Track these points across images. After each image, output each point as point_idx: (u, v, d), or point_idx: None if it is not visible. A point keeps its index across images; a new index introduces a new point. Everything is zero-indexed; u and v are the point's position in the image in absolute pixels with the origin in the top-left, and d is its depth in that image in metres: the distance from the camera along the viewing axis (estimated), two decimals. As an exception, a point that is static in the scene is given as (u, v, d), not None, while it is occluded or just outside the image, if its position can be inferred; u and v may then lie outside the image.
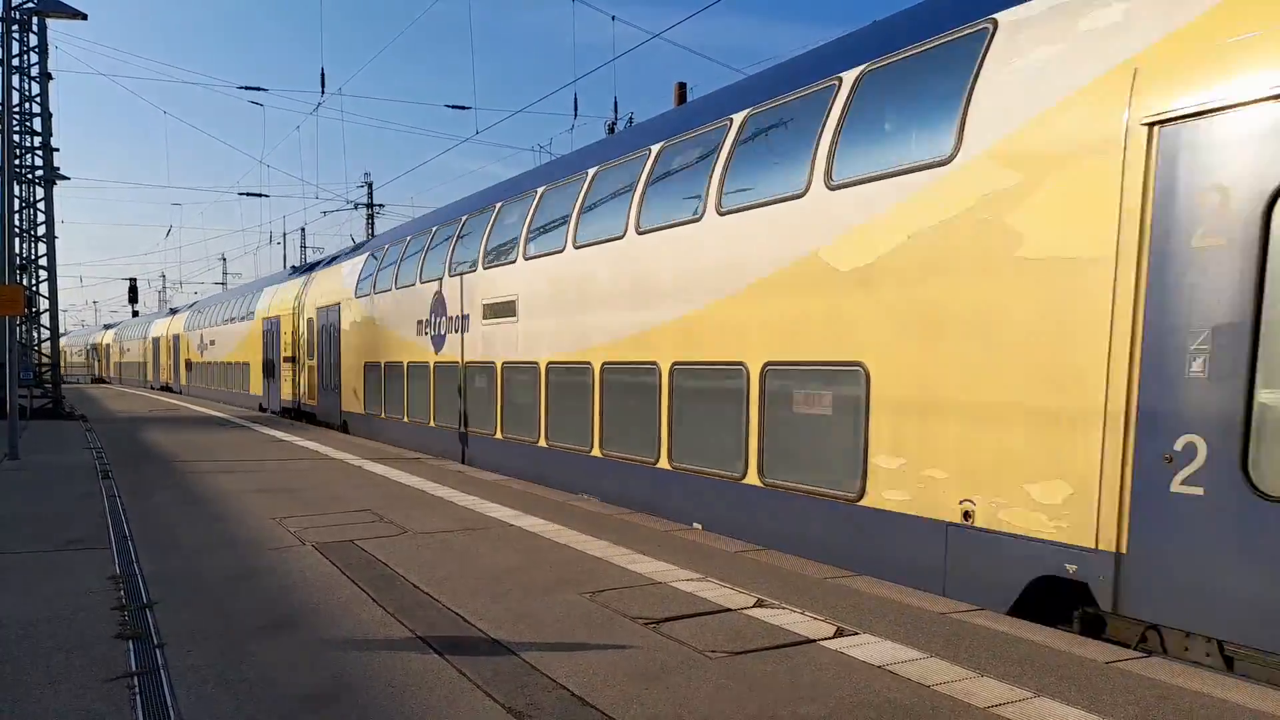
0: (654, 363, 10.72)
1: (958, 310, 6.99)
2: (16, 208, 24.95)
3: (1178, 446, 5.64)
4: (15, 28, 23.58)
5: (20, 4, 23.56)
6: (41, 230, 26.60)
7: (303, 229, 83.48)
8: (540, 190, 13.88)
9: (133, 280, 46.38)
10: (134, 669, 5.20)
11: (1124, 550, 5.88)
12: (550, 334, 13.03)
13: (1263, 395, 5.32)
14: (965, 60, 7.21)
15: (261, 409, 29.31)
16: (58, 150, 26.89)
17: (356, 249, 24.86)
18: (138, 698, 4.77)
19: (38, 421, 24.08)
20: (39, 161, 26.26)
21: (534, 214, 13.82)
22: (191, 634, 5.84)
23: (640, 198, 11.03)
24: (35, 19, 24.76)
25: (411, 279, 18.29)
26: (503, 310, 14.39)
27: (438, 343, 16.93)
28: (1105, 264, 5.97)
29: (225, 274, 77.80)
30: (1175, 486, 5.64)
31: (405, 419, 18.71)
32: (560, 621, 6.14)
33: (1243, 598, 5.33)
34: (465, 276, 15.74)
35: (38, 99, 25.71)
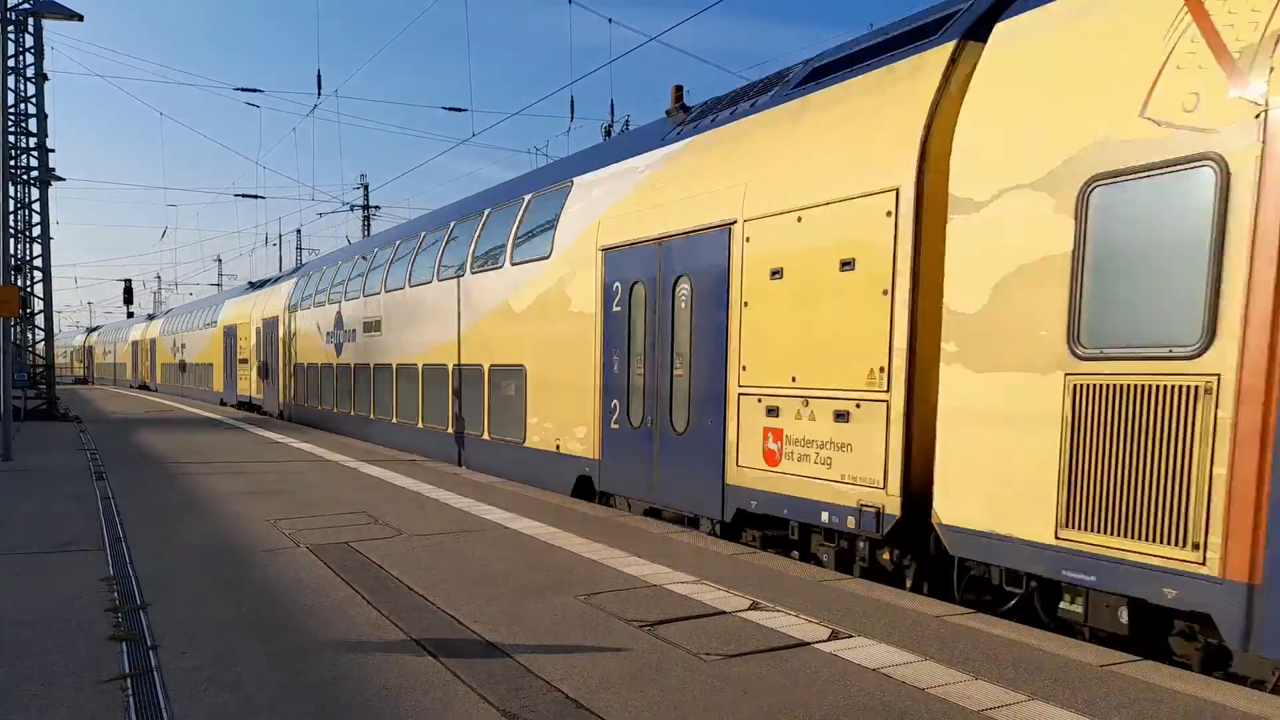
0: (444, 364, 16.47)
1: (555, 334, 12.64)
2: (11, 209, 24.89)
3: (613, 405, 11.18)
4: (11, 28, 23.54)
5: (16, 4, 23.54)
6: (36, 231, 26.54)
7: (299, 230, 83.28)
8: (396, 242, 20.09)
9: (127, 281, 46.24)
10: (127, 671, 5.18)
11: (600, 457, 11.55)
12: (399, 344, 18.66)
13: (634, 379, 10.78)
14: (559, 201, 13.06)
15: (222, 403, 34.68)
16: (53, 151, 26.80)
17: (294, 272, 30.69)
18: (131, 700, 4.76)
19: (31, 423, 24.03)
20: (34, 162, 26.21)
21: (391, 259, 19.73)
22: (185, 636, 5.82)
23: (472, 249, 15.64)
24: (31, 20, 24.73)
25: (322, 300, 24.01)
26: (373, 326, 20.19)
27: (338, 349, 22.49)
28: (593, 316, 11.62)
29: (221, 275, 77.73)
30: (612, 425, 11.19)
31: (319, 406, 24.24)
32: (555, 624, 6.14)
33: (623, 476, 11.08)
34: (351, 301, 21.58)
35: (33, 100, 25.67)
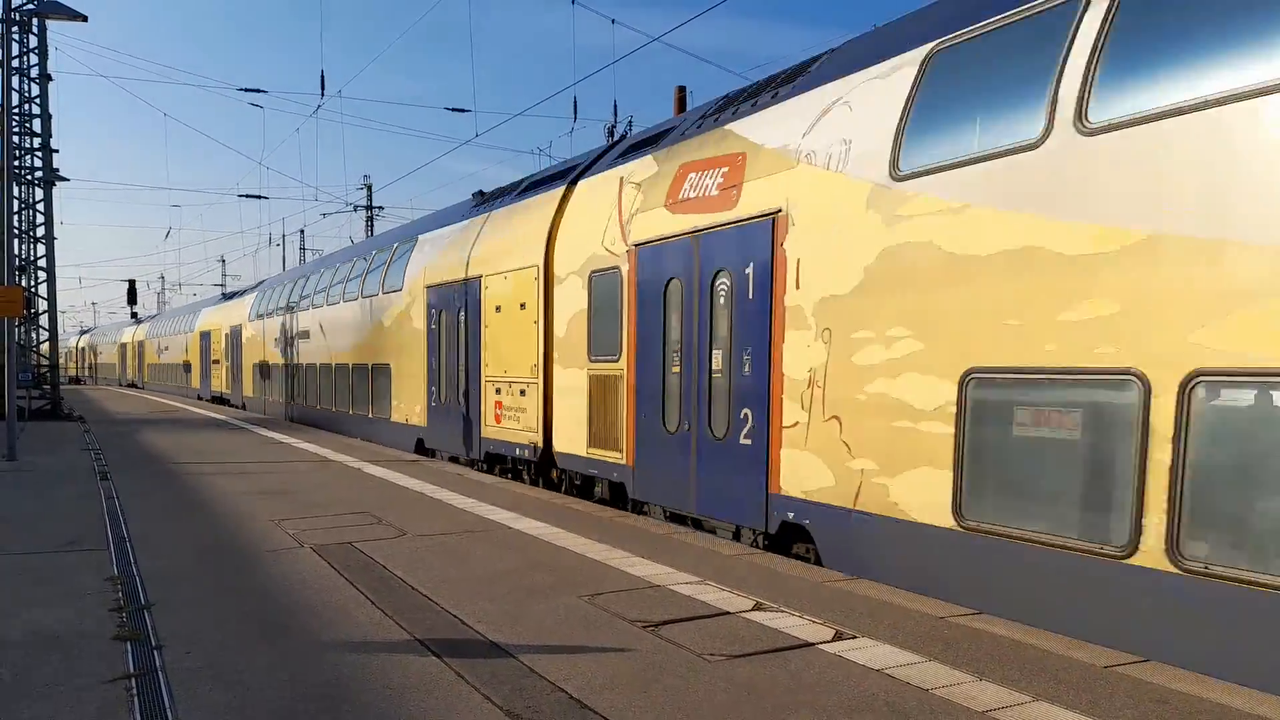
0: (347, 363, 22.08)
1: (406, 342, 18.30)
2: (16, 209, 24.94)
3: (433, 389, 16.57)
4: (15, 29, 23.58)
5: (20, 5, 23.58)
6: (40, 232, 26.60)
7: (302, 231, 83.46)
8: (321, 271, 25.92)
9: (131, 282, 46.49)
10: (132, 670, 5.19)
11: (428, 424, 16.97)
12: (321, 349, 24.20)
13: (445, 373, 16.18)
14: (410, 250, 18.82)
15: (199, 397, 40.83)
16: (57, 151, 26.89)
17: (254, 287, 36.59)
18: (136, 699, 4.77)
19: (36, 423, 24.07)
20: (38, 163, 26.26)
21: (316, 284, 25.26)
22: (189, 636, 5.83)
23: (363, 280, 21.21)
24: (35, 20, 24.77)
25: (272, 312, 29.55)
26: (304, 335, 25.79)
27: (285, 353, 27.92)
28: (423, 331, 17.12)
29: (224, 275, 77.90)
30: (431, 403, 16.48)
31: (269, 398, 29.92)
32: (559, 624, 6.14)
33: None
34: (293, 314, 26.93)
35: (37, 100, 25.72)
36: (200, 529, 9.44)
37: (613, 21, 23.26)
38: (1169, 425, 5.60)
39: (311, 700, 4.77)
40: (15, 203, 24.72)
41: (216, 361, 37.88)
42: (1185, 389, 5.54)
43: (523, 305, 13.54)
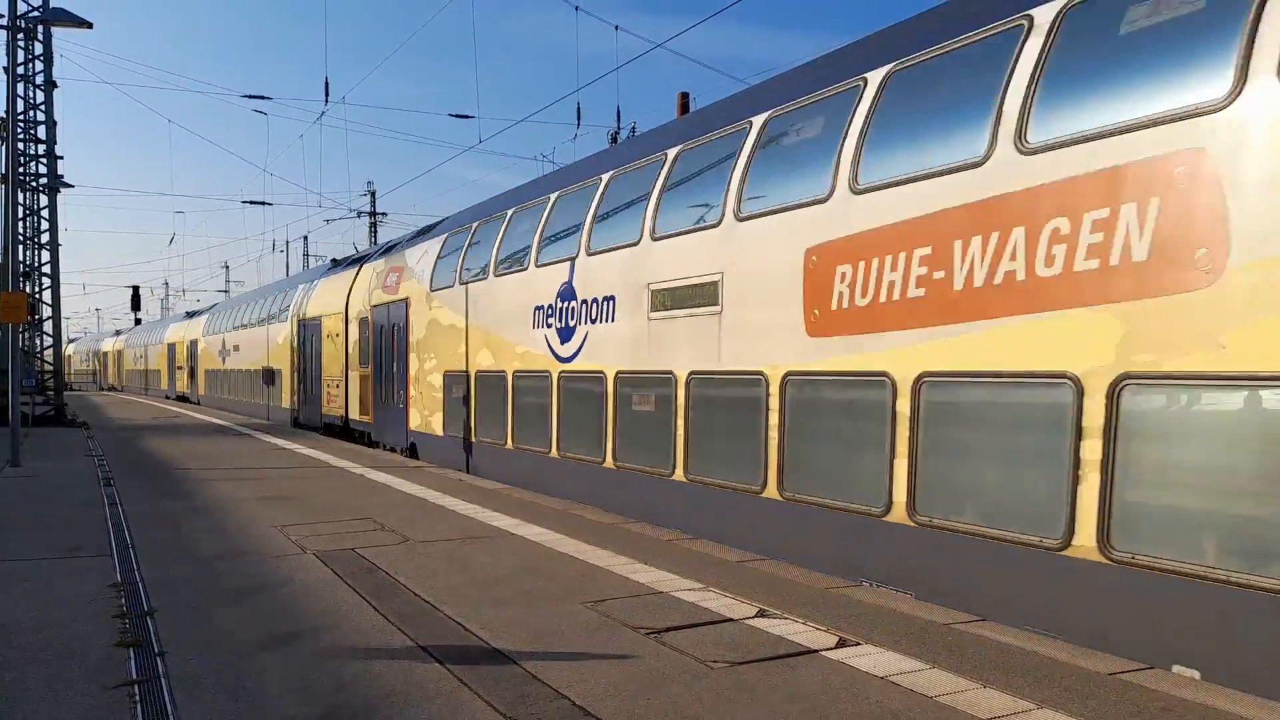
0: (261, 369, 30.82)
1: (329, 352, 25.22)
2: (20, 215, 24.99)
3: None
4: (21, 36, 23.66)
5: (26, 12, 23.67)
6: (45, 238, 26.64)
7: (305, 237, 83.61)
8: (243, 305, 35.55)
9: (135, 288, 46.86)
10: (135, 677, 5.19)
11: (293, 408, 27.30)
12: (244, 359, 33.23)
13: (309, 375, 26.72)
14: (292, 294, 28.93)
15: (166, 396, 48.57)
16: (62, 158, 26.96)
17: (209, 309, 46.76)
18: (138, 706, 4.76)
19: (40, 429, 24.10)
20: (43, 169, 26.33)
21: (240, 314, 34.34)
22: (192, 642, 5.83)
23: (265, 313, 31.02)
24: (40, 27, 24.85)
25: (216, 330, 38.66)
26: (235, 348, 35.08)
27: (231, 360, 36.10)
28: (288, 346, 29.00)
29: (228, 281, 78.08)
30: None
31: (223, 394, 37.34)
32: (562, 631, 6.13)
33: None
34: (228, 333, 36.11)
35: (42, 107, 25.79)
36: (203, 535, 9.44)
37: (616, 28, 23.39)
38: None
39: (314, 707, 4.76)
40: (20, 209, 24.77)
41: (180, 367, 47.18)
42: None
43: (336, 335, 23.06)
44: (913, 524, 7.37)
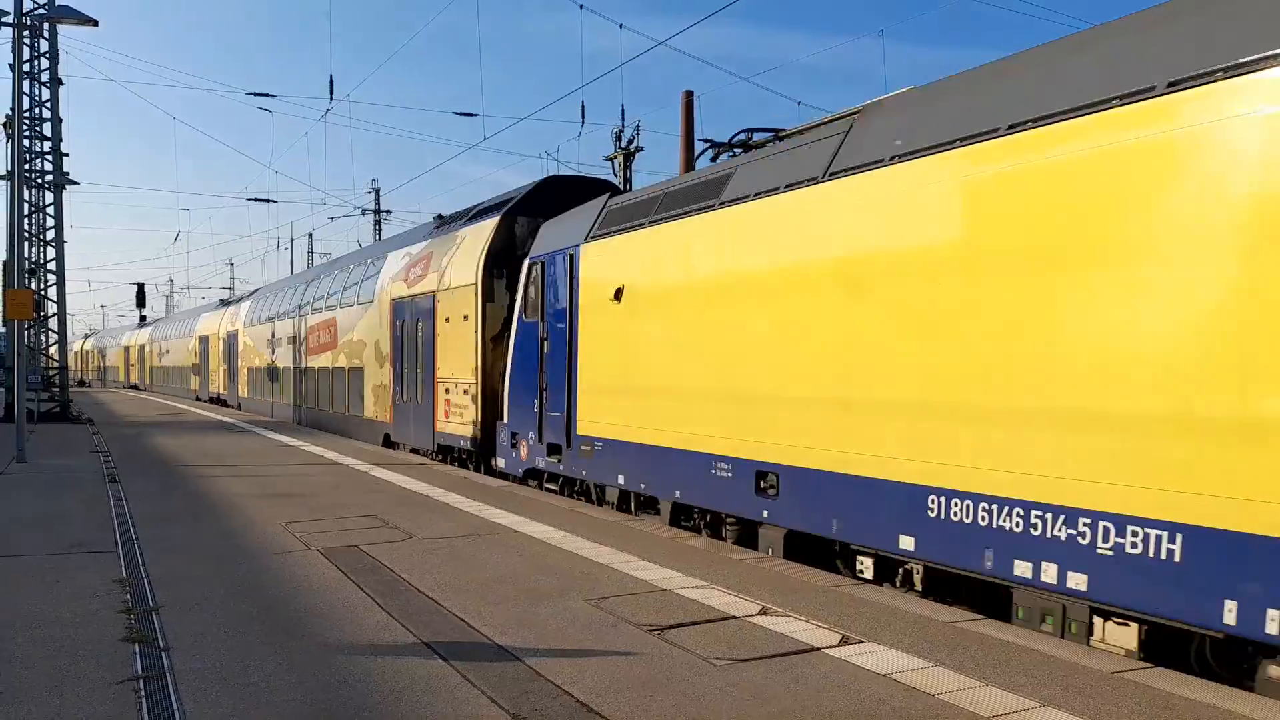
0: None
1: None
2: (26, 212, 25.05)
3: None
4: (26, 33, 23.70)
5: (31, 10, 23.70)
6: (50, 235, 26.71)
7: (310, 235, 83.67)
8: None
9: (140, 285, 47.09)
10: (140, 672, 5.21)
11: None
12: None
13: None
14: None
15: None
16: (67, 155, 27.00)
17: (153, 322, 56.37)
18: (144, 701, 4.79)
19: (45, 425, 24.17)
20: (48, 166, 26.38)
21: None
22: (197, 638, 5.85)
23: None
24: (46, 25, 24.89)
25: (164, 337, 47.01)
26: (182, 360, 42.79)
27: (168, 359, 47.14)
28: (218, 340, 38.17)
29: (233, 279, 78.16)
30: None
31: (152, 385, 45.88)
32: (565, 627, 6.15)
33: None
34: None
35: (48, 104, 25.85)
36: (208, 531, 9.47)
37: (620, 26, 23.40)
38: None
39: (319, 703, 4.78)
40: (26, 206, 24.83)
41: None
42: None
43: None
44: None
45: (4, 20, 18.53)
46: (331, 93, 31.14)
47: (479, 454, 15.40)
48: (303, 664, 5.38)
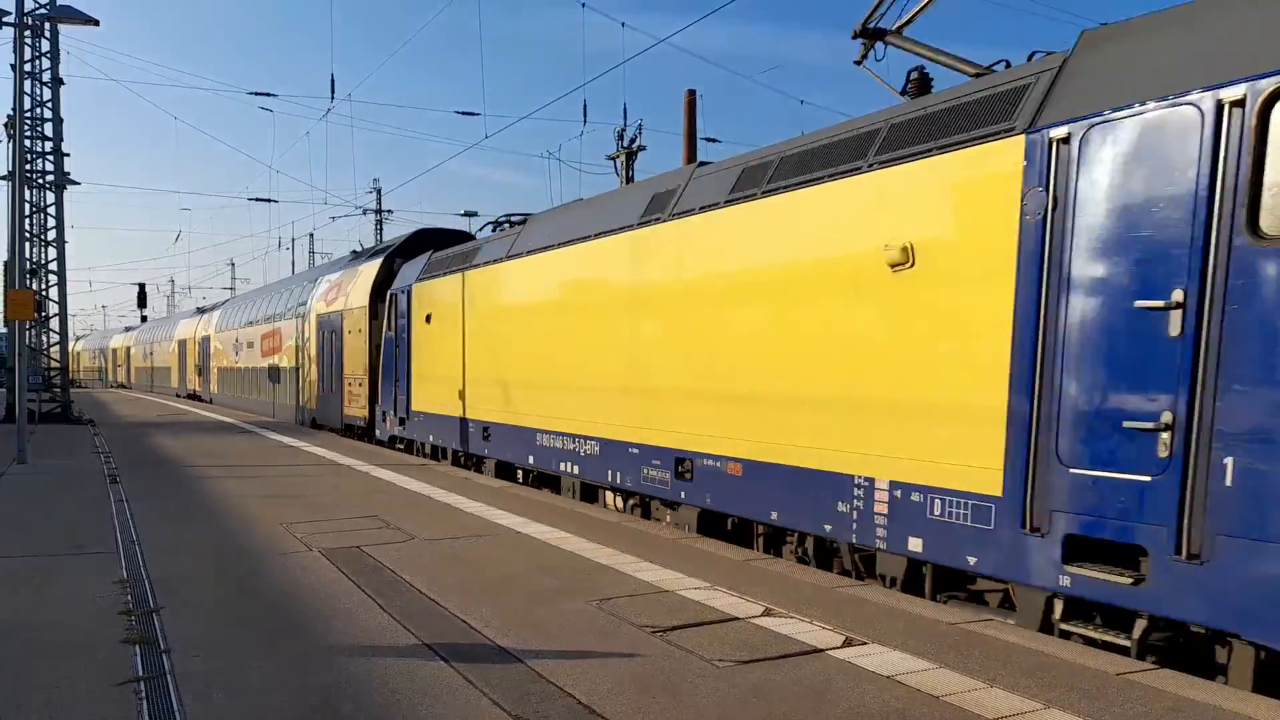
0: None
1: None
2: (27, 212, 25.04)
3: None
4: (27, 33, 23.69)
5: (32, 10, 23.69)
6: (51, 235, 26.70)
7: (311, 234, 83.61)
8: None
9: (141, 285, 47.28)
10: (140, 674, 5.19)
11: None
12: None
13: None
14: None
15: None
16: (68, 155, 26.97)
17: (137, 328, 59.17)
18: (144, 703, 4.77)
19: (46, 426, 24.17)
20: (49, 166, 26.38)
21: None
22: (198, 639, 5.83)
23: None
24: (47, 25, 24.88)
25: (147, 341, 53.38)
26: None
27: (150, 360, 52.82)
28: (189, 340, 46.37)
29: (234, 279, 78.18)
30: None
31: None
32: (567, 629, 6.12)
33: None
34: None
35: (49, 104, 25.84)
36: (209, 532, 9.45)
37: (622, 24, 23.34)
38: None
39: (320, 705, 4.76)
40: (26, 206, 24.82)
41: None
42: None
43: (180, 347, 35.17)
44: None
45: (5, 20, 18.52)
46: (333, 92, 31.21)
47: (368, 429, 21.14)
48: (304, 665, 5.35)
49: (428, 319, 17.09)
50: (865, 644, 5.82)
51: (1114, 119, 5.75)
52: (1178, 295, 5.32)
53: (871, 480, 7.42)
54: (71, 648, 5.65)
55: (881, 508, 7.31)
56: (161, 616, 6.35)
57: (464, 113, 49.94)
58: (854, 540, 7.63)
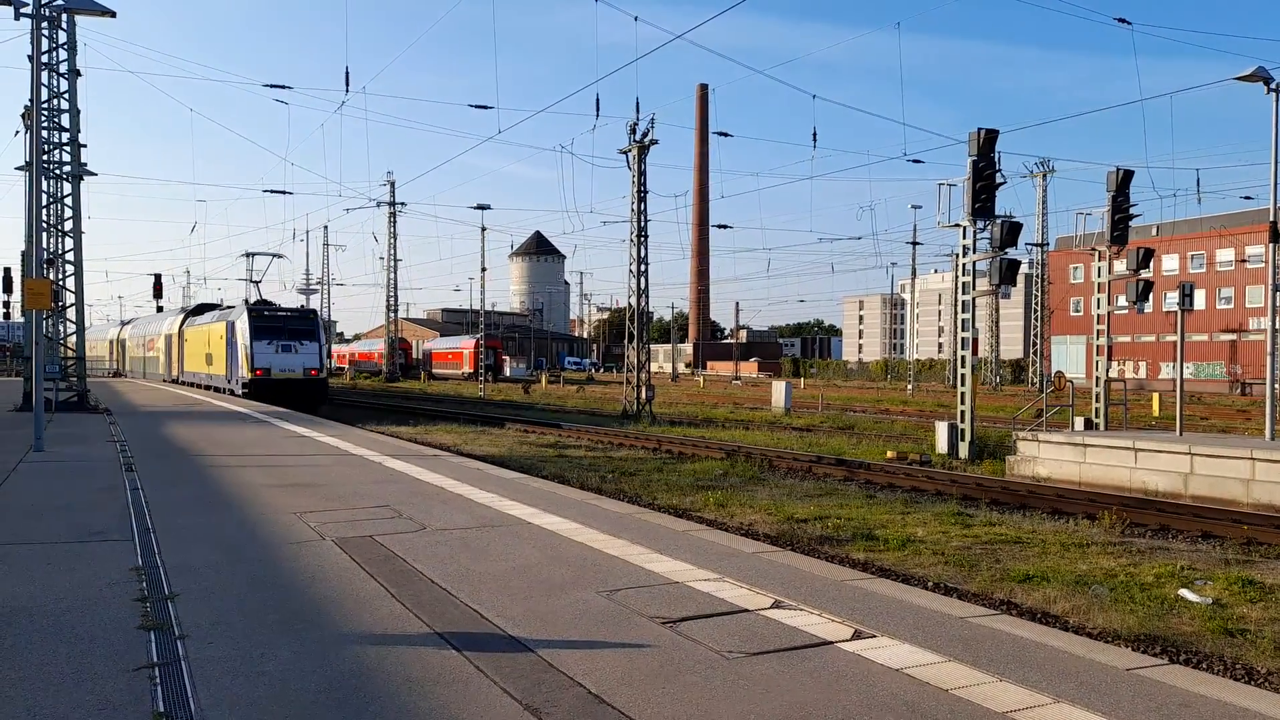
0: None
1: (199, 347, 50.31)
2: (44, 203, 25.23)
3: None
4: (45, 25, 23.84)
5: (50, 1, 23.84)
6: (69, 225, 26.90)
7: (325, 226, 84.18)
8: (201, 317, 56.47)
9: (157, 275, 47.72)
10: (155, 660, 5.25)
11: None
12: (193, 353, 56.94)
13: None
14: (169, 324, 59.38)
15: (163, 380, 58.91)
16: (85, 146, 27.15)
17: (130, 322, 74.23)
18: (158, 688, 4.82)
19: (63, 414, 24.37)
20: (66, 157, 26.55)
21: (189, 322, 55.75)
22: (212, 626, 5.89)
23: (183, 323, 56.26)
24: (64, 16, 25.04)
25: (137, 335, 67.07)
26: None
27: (140, 351, 66.82)
28: (171, 337, 59.41)
29: (250, 270, 78.66)
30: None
31: (172, 370, 56.67)
32: (577, 619, 6.15)
33: None
34: (190, 329, 52.67)
35: (66, 95, 26.01)
36: (223, 521, 9.53)
37: (635, 19, 23.43)
38: None
39: (332, 692, 4.80)
40: (44, 196, 25.00)
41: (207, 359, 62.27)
42: None
43: (166, 339, 53.77)
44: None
45: (23, 12, 18.63)
46: (347, 85, 31.21)
47: (176, 381, 46.41)
48: (316, 653, 5.40)
49: (183, 336, 47.16)
50: (875, 636, 5.83)
51: None
52: None
53: None
54: (88, 634, 5.71)
55: None
56: (176, 603, 6.41)
57: (478, 106, 49.84)
58: None
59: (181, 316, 53.99)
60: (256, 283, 43.99)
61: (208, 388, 42.87)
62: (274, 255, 46.80)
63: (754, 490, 16.32)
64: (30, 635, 5.66)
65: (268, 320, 37.51)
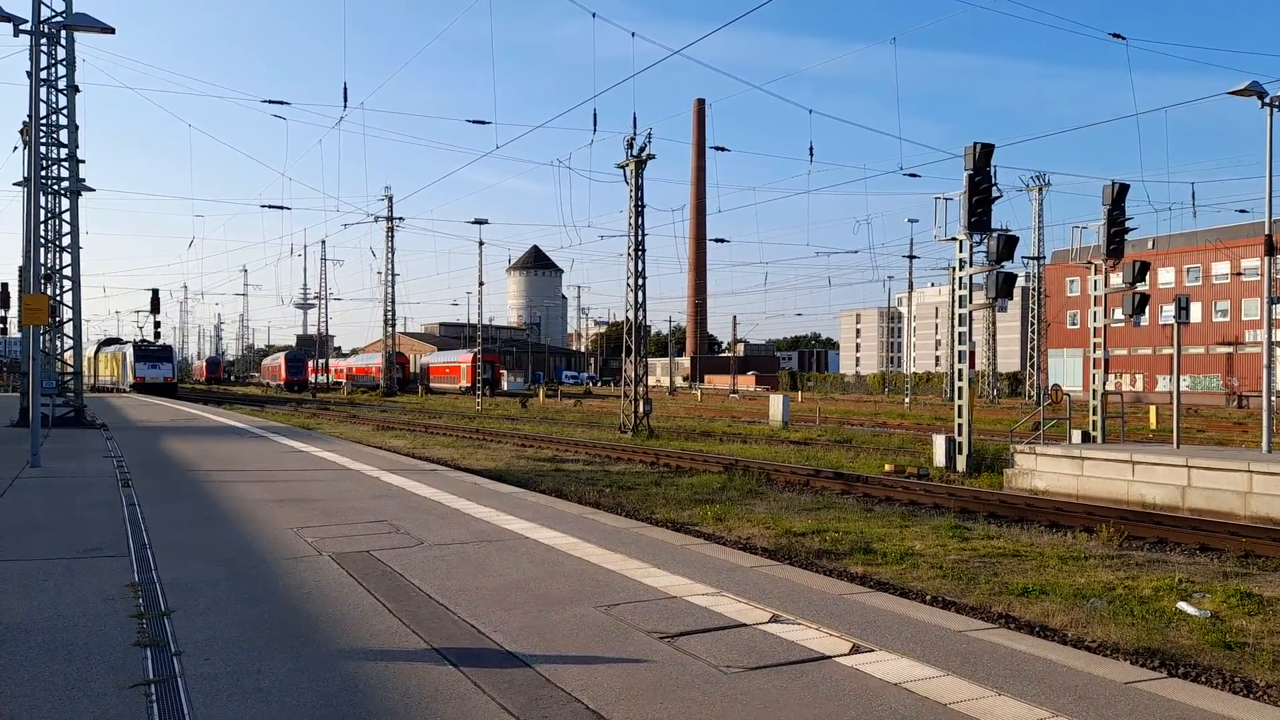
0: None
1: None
2: (42, 218, 25.25)
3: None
4: (44, 41, 23.92)
5: (49, 18, 23.92)
6: (66, 241, 26.91)
7: (323, 241, 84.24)
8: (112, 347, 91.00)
9: (155, 291, 47.74)
10: (151, 676, 5.23)
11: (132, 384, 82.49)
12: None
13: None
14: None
15: (120, 390, 74.00)
16: (83, 162, 27.20)
17: (104, 343, 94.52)
18: (154, 705, 4.80)
19: (59, 430, 24.32)
20: (64, 173, 26.59)
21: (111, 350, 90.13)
22: (208, 642, 5.87)
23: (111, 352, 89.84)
24: (63, 32, 25.11)
25: (103, 353, 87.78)
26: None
27: (101, 366, 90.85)
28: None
29: (246, 285, 78.88)
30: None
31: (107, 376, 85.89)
32: (575, 634, 6.14)
33: None
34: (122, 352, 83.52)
35: (64, 111, 26.06)
36: (220, 536, 9.50)
37: (633, 34, 23.54)
38: None
39: (329, 708, 4.78)
40: (42, 212, 25.02)
41: (112, 372, 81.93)
42: None
43: (88, 360, 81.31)
44: None
45: (22, 28, 18.69)
46: (345, 100, 31.28)
47: (100, 390, 74.50)
48: (313, 669, 5.38)
49: (96, 359, 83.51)
50: (873, 651, 5.82)
51: None
52: None
53: None
54: (83, 650, 5.69)
55: None
56: (172, 620, 6.39)
57: (476, 121, 50.06)
58: None
59: (95, 346, 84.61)
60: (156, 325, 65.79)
61: (113, 389, 74.17)
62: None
63: (752, 504, 16.29)
64: (26, 651, 5.64)
65: (143, 351, 70.12)
